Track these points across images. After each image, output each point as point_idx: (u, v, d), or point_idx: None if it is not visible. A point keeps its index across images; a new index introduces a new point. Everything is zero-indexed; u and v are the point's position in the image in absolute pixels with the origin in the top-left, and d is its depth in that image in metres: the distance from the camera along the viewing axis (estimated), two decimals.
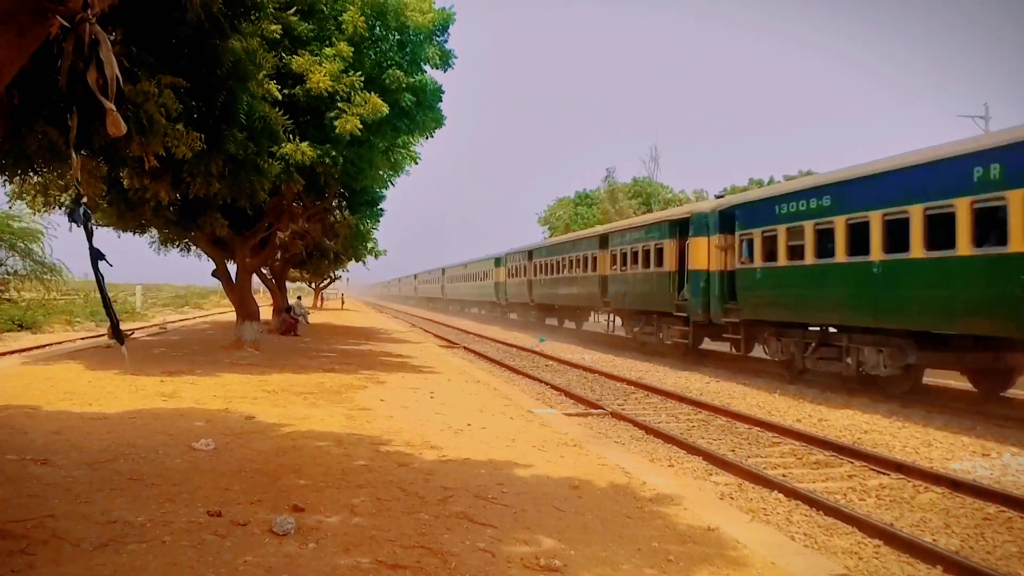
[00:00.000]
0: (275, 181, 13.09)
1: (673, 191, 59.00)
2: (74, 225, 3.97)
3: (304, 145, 12.88)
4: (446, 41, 14.70)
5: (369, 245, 31.13)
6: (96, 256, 3.99)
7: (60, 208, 15.90)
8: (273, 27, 11.93)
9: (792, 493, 7.50)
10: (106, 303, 4.25)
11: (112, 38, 3.38)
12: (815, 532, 6.46)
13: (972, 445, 9.79)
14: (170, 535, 4.59)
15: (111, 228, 17.48)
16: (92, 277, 4.05)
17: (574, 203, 62.31)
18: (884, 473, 8.44)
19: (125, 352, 4.49)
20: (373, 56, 14.11)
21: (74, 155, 3.58)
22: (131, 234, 18.43)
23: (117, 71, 3.37)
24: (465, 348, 25.88)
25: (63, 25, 3.15)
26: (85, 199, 3.94)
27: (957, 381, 14.87)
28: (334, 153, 13.66)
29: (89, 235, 3.99)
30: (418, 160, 16.88)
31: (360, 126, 12.96)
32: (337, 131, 12.96)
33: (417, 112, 14.56)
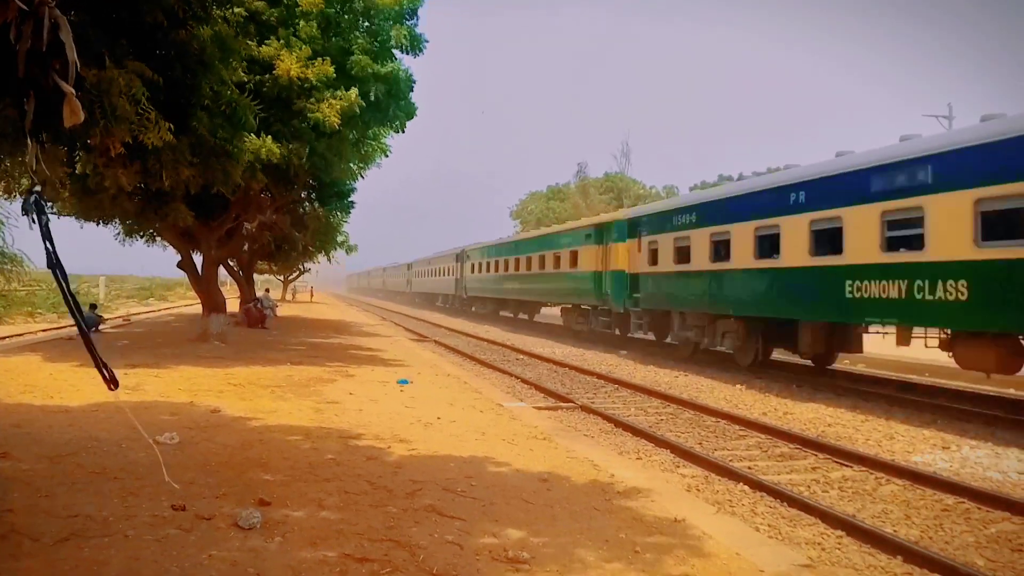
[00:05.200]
0: (243, 172, 12.89)
1: (644, 186, 59.51)
2: (30, 219, 3.50)
3: (269, 140, 12.64)
4: (416, 25, 14.56)
5: (340, 238, 30.83)
6: (54, 263, 3.45)
7: (21, 196, 15.53)
8: (237, 10, 11.73)
9: (757, 485, 7.59)
10: (80, 326, 3.72)
11: (71, 19, 3.27)
12: (779, 523, 6.56)
13: (933, 438, 10.00)
14: (133, 529, 4.52)
15: (73, 217, 17.12)
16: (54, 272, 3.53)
17: (546, 197, 62.51)
18: (847, 465, 8.58)
19: (115, 391, 3.91)
20: (340, 42, 13.94)
21: (30, 141, 3.43)
22: (94, 224, 18.06)
23: (75, 56, 3.28)
24: (436, 342, 25.80)
25: (21, 8, 3.06)
26: (39, 187, 3.60)
27: None
28: (301, 149, 13.47)
29: (45, 232, 3.47)
30: (389, 152, 16.73)
31: (339, 120, 12.81)
32: (317, 118, 12.74)
33: (388, 103, 14.41)
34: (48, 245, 3.46)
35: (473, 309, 46.06)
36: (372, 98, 13.79)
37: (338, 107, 12.78)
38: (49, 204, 16.34)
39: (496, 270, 37.50)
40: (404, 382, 12.05)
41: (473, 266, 42.82)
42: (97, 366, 3.68)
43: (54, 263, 3.47)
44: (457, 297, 48.45)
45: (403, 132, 15.53)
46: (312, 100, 12.98)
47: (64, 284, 3.52)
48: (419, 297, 65.22)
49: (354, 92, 13.04)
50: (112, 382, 3.75)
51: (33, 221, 3.47)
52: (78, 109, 3.30)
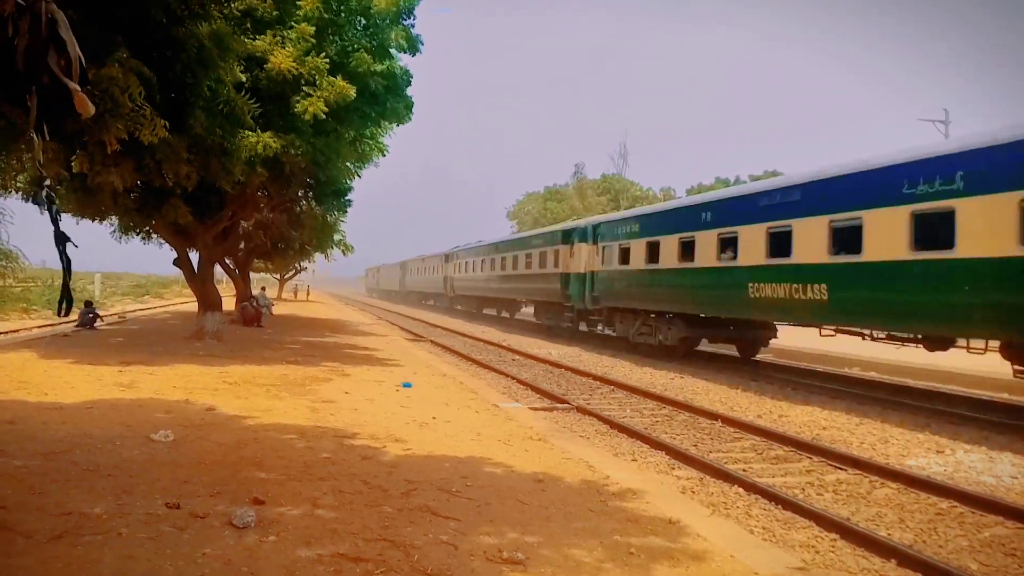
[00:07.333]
0: (241, 168, 12.86)
1: (641, 188, 59.51)
2: (41, 209, 3.82)
3: (267, 136, 12.62)
4: (413, 25, 14.59)
5: (337, 238, 30.67)
6: (61, 239, 3.80)
7: (16, 192, 15.48)
8: (235, 3, 11.71)
9: (752, 487, 7.60)
10: (65, 282, 4.12)
11: (69, 16, 3.28)
12: (774, 526, 6.56)
13: (927, 442, 10.02)
14: (127, 527, 4.50)
15: (69, 215, 17.08)
16: (51, 264, 3.88)
17: (543, 198, 62.44)
18: (842, 469, 8.59)
19: (61, 313, 4.27)
20: (339, 41, 13.93)
21: (36, 137, 3.47)
22: (90, 221, 18.01)
23: (79, 51, 3.28)
24: (432, 342, 25.78)
25: (18, 3, 3.05)
26: (48, 182, 3.78)
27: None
28: (299, 143, 13.46)
29: (55, 219, 3.82)
30: (386, 152, 16.71)
31: (325, 109, 12.76)
32: (298, 110, 12.72)
33: (388, 98, 14.38)
34: (56, 228, 3.77)
35: (458, 308, 46.62)
36: (372, 92, 13.80)
37: (322, 103, 12.73)
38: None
39: (480, 269, 38.73)
40: (408, 385, 11.97)
41: (458, 266, 43.84)
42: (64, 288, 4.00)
43: (62, 239, 3.78)
44: (445, 296, 49.10)
45: (410, 121, 15.79)
46: (299, 96, 12.94)
47: (65, 261, 3.85)
48: (411, 295, 65.26)
49: (341, 80, 13.00)
50: (64, 311, 4.12)
51: (43, 212, 3.74)
52: (86, 102, 3.30)
